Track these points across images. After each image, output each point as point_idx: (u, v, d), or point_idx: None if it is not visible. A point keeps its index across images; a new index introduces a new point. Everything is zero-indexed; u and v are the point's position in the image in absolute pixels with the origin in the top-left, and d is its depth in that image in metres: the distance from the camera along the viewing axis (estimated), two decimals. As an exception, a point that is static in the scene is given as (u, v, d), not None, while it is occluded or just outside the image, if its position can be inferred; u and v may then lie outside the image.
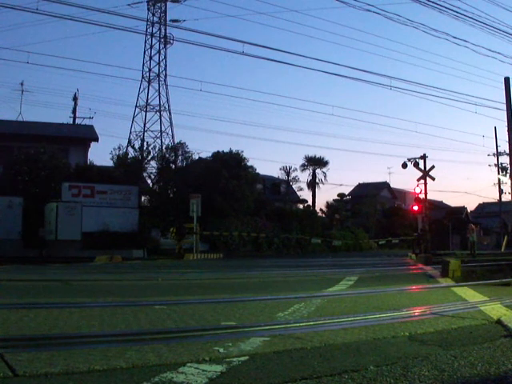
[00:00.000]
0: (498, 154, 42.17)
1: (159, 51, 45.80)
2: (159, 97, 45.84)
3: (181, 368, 2.67)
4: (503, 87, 23.87)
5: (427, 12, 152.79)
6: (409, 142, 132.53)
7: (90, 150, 33.15)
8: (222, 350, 3.09)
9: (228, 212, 29.82)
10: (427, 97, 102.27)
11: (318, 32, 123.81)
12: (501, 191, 42.60)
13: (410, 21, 40.90)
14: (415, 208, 24.88)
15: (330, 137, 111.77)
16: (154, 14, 44.82)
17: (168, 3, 44.85)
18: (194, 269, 15.62)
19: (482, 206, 62.15)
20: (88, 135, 33.34)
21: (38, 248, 22.24)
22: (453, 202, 70.35)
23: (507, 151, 28.27)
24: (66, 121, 40.72)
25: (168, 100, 46.39)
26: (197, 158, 33.64)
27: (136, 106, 46.06)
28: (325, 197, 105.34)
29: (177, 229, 25.41)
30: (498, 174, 42.59)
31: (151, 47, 45.87)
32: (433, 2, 19.39)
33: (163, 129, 45.69)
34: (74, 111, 42.24)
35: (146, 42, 45.81)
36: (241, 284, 9.56)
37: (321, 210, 51.52)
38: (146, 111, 45.90)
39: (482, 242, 39.74)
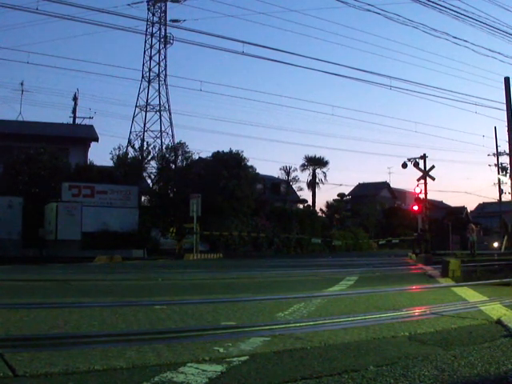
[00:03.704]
0: (498, 154, 42.26)
1: (159, 51, 45.91)
2: (159, 97, 45.95)
3: (181, 368, 2.67)
4: (503, 87, 23.93)
5: (427, 12, 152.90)
6: (409, 142, 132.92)
7: (90, 149, 33.27)
8: (221, 350, 3.08)
9: (228, 212, 29.82)
10: (427, 97, 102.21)
11: (318, 32, 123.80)
12: (501, 191, 42.65)
13: (410, 21, 40.87)
14: (415, 208, 24.89)
15: (330, 137, 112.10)
16: (154, 14, 44.96)
17: (168, 3, 44.98)
18: (194, 269, 15.61)
19: (482, 206, 62.20)
20: (88, 135, 33.36)
21: (37, 248, 22.25)
22: (453, 202, 70.41)
23: (507, 151, 28.32)
24: (66, 121, 40.81)
25: (168, 100, 46.51)
26: (197, 158, 33.70)
27: (136, 106, 46.16)
28: (325, 197, 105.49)
29: (177, 229, 25.44)
30: (498, 173, 42.63)
31: (151, 47, 45.95)
32: (433, 2, 19.44)
33: (163, 129, 45.79)
34: (74, 111, 42.34)
35: (146, 41, 45.95)
36: (241, 284, 9.55)
37: (321, 209, 51.60)
38: (146, 111, 45.99)
39: (484, 242, 39.66)
